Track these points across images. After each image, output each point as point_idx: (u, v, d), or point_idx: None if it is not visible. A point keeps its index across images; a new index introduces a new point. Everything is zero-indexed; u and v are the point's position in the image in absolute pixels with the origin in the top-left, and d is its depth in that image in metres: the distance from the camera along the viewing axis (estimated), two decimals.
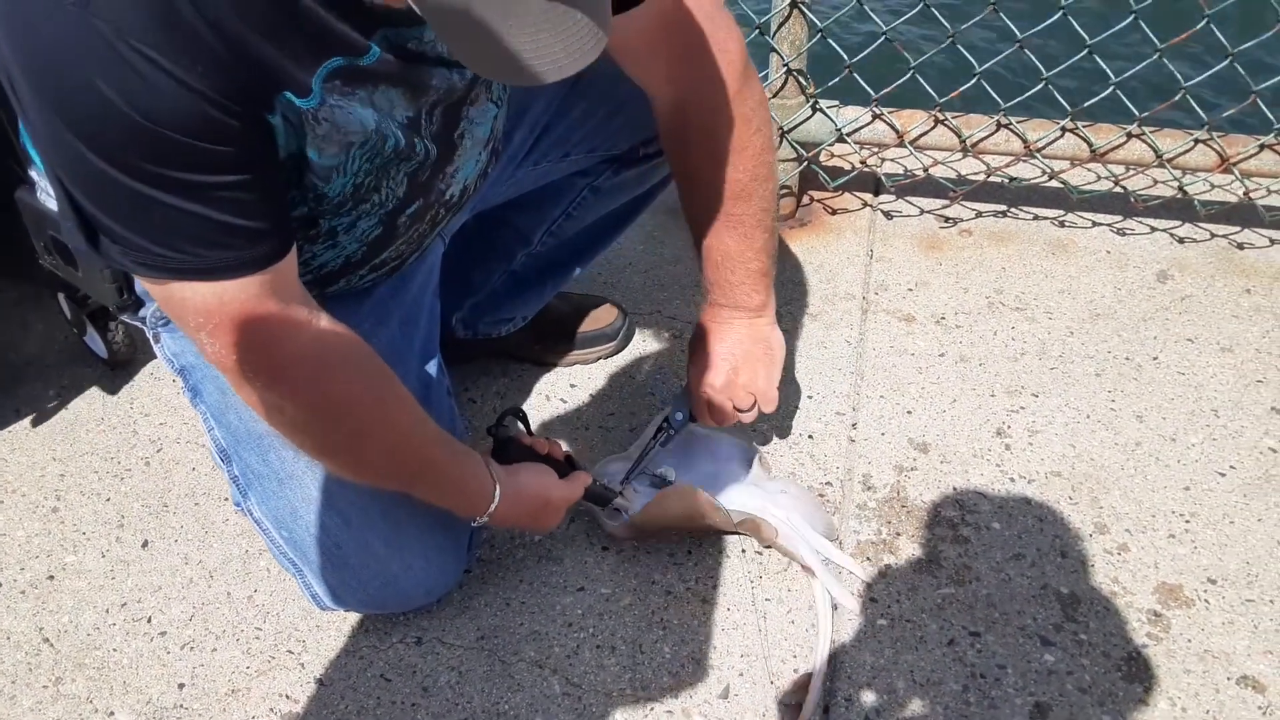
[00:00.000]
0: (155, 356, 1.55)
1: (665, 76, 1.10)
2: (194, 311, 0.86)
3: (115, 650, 1.20)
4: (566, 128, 1.27)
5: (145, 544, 1.32)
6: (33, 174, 1.16)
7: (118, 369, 1.55)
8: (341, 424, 0.97)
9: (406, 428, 1.02)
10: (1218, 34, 1.61)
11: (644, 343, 1.60)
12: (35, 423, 1.48)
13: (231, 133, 0.78)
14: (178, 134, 0.76)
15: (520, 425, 1.22)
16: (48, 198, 1.16)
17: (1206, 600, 1.23)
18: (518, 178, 1.29)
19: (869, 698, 1.14)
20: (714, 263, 1.20)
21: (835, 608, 1.21)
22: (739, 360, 1.24)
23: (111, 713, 1.14)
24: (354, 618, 1.22)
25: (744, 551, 1.29)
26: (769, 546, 1.27)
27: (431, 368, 1.21)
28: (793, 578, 1.26)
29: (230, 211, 0.81)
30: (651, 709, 1.13)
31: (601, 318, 1.56)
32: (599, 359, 1.56)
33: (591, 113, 1.26)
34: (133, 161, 0.76)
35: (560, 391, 1.53)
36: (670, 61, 1.08)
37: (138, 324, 1.18)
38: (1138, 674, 1.16)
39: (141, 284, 0.97)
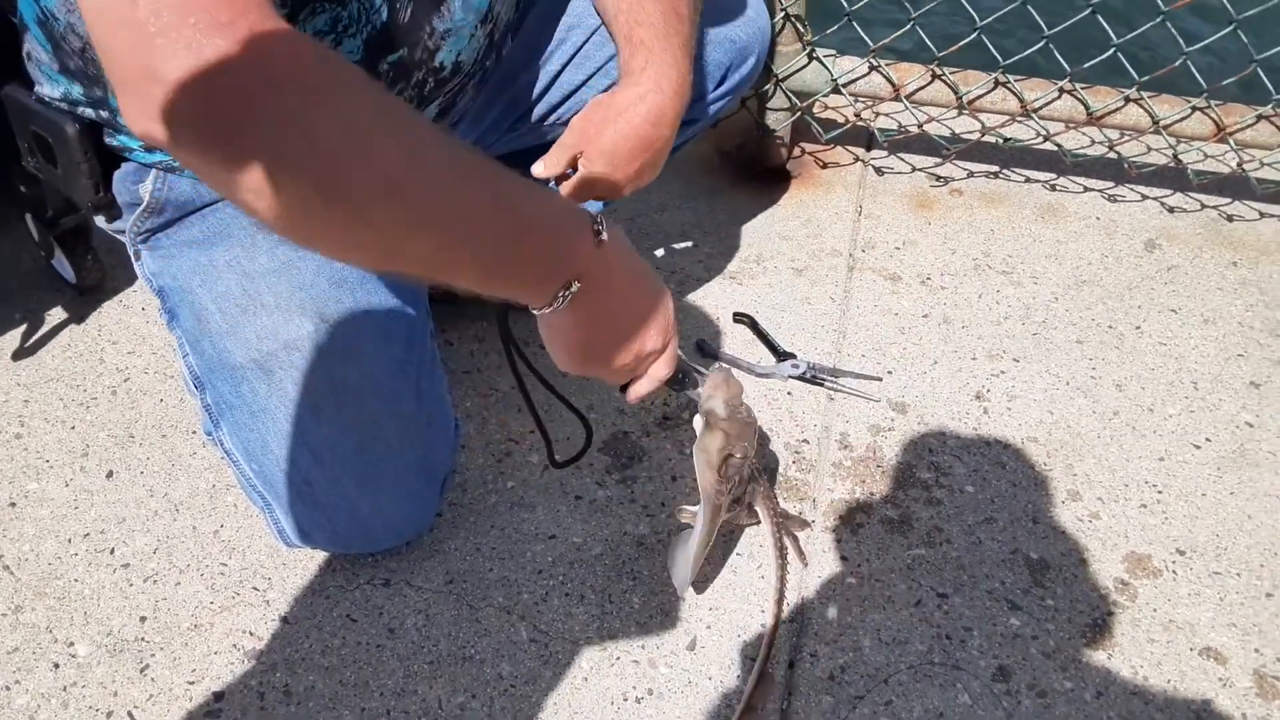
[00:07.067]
0: (125, 284, 1.52)
1: None
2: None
3: (77, 581, 1.18)
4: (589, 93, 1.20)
5: (110, 474, 1.29)
6: (31, 69, 1.08)
7: (86, 295, 1.51)
8: (351, 163, 0.68)
9: (436, 154, 0.73)
10: None
11: None
12: None
13: None
14: None
15: None
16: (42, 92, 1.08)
17: (1174, 571, 1.24)
18: (520, 130, 1.23)
19: (834, 654, 1.14)
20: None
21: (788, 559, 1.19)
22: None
23: (71, 643, 1.13)
24: (321, 557, 1.21)
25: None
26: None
27: (416, 306, 1.17)
28: (765, 533, 1.25)
29: None
30: (618, 658, 1.13)
31: None
32: None
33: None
34: None
35: (539, 338, 1.50)
36: None
37: (117, 235, 1.13)
38: (1102, 641, 1.17)
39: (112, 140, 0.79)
